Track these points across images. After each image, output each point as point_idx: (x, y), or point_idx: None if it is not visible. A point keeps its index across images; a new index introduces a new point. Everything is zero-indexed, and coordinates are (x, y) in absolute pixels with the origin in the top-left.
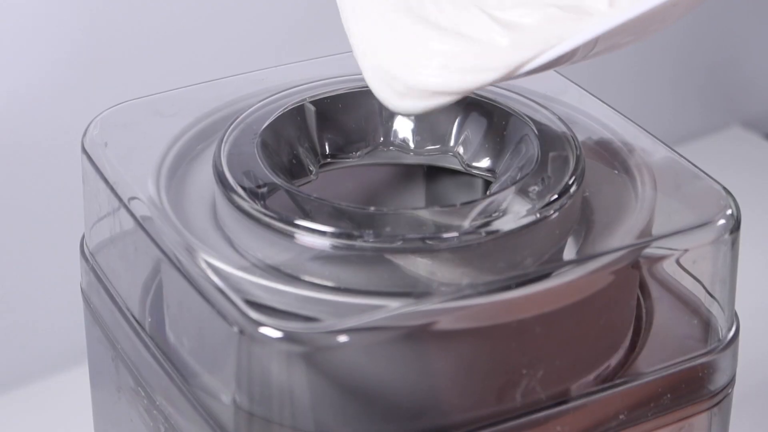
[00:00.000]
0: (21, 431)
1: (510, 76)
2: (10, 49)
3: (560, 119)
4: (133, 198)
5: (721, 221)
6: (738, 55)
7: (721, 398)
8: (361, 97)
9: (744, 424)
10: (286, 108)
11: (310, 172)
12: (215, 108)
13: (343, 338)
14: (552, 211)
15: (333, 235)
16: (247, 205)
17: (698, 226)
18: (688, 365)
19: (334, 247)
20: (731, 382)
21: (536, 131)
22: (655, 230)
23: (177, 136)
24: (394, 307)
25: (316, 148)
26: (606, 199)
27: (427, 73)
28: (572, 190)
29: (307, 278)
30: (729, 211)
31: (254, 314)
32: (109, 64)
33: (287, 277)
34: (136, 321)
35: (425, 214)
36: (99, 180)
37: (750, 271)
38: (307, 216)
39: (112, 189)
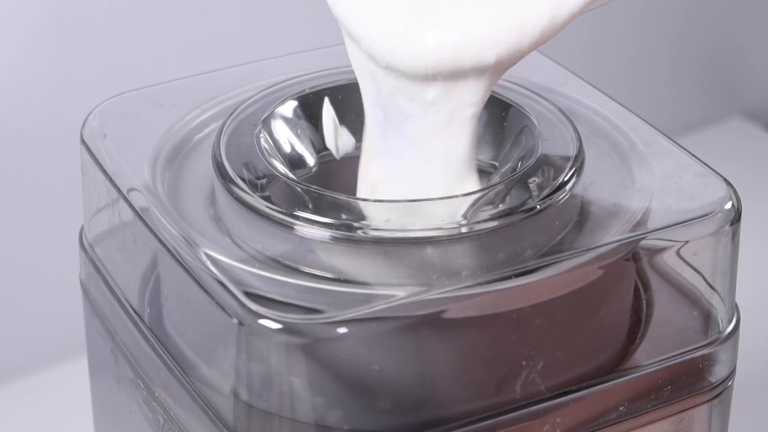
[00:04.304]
0: (20, 422)
1: None
2: (9, 40)
3: (560, 110)
4: (132, 189)
5: (722, 212)
6: (739, 44)
7: (721, 390)
8: None
9: (744, 416)
10: (286, 99)
11: (310, 163)
12: (214, 99)
13: (342, 329)
14: (552, 203)
15: (332, 226)
16: (247, 196)
17: (699, 217)
18: (688, 357)
19: (334, 238)
20: (731, 375)
21: (536, 122)
22: (656, 221)
23: (176, 126)
24: (393, 297)
25: (316, 139)
26: (606, 191)
27: None
28: (572, 181)
29: (307, 269)
30: (730, 203)
31: (253, 306)
32: (108, 55)
33: (286, 269)
34: (135, 312)
35: (425, 205)
36: (98, 171)
37: (751, 263)
38: (306, 207)
39: (111, 180)
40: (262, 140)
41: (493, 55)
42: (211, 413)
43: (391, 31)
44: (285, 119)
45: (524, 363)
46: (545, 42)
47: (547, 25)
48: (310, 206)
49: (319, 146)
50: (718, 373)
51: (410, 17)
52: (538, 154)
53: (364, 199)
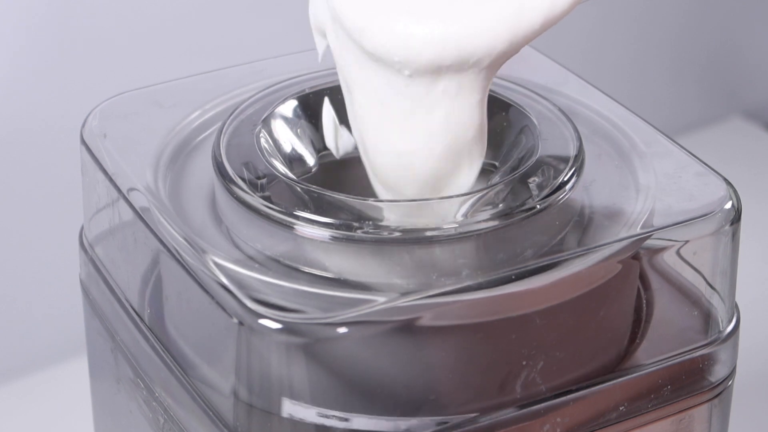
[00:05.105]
0: (20, 422)
1: None
2: (9, 40)
3: (560, 110)
4: (132, 189)
5: (722, 212)
6: (739, 44)
7: (721, 390)
8: None
9: (744, 416)
10: (286, 99)
11: (310, 163)
12: (214, 99)
13: (342, 329)
14: (552, 203)
15: (333, 226)
16: (247, 196)
17: (699, 217)
18: (688, 357)
19: (334, 238)
20: (731, 374)
21: (536, 122)
22: (656, 221)
23: (176, 126)
24: (393, 297)
25: (316, 138)
26: (606, 191)
27: None
28: (572, 181)
29: (307, 269)
30: (730, 203)
31: (254, 306)
32: (108, 55)
33: (286, 269)
34: (135, 312)
35: (425, 205)
36: (98, 171)
37: (751, 263)
38: (306, 207)
39: (111, 180)
40: (262, 140)
41: (490, 47)
42: (211, 413)
43: (390, 27)
44: (285, 119)
45: (524, 363)
46: (542, 33)
47: (546, 14)
48: (310, 206)
49: (319, 146)
50: (718, 372)
51: (407, 13)
52: (538, 153)
53: (364, 199)
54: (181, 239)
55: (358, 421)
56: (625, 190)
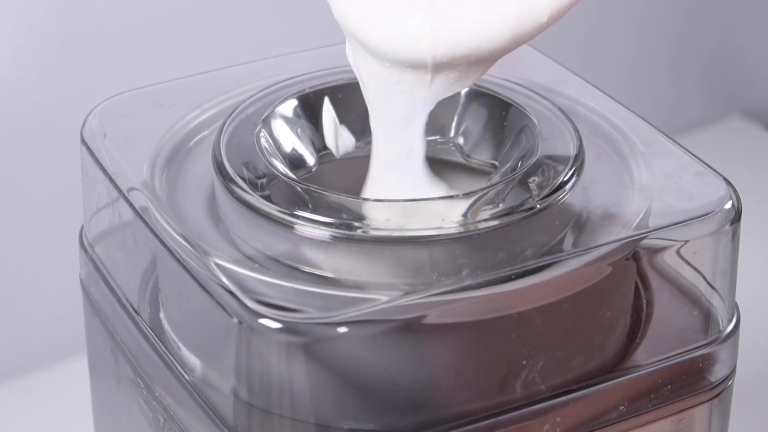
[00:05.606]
0: (20, 422)
1: None
2: (8, 40)
3: (561, 110)
4: (132, 189)
5: (722, 212)
6: (739, 43)
7: (721, 390)
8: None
9: (744, 416)
10: (286, 98)
11: (310, 162)
12: (214, 99)
13: (342, 329)
14: (552, 202)
15: (332, 225)
16: (247, 195)
17: (699, 216)
18: (688, 357)
19: (334, 237)
20: (731, 374)
21: (536, 122)
22: (656, 221)
23: (176, 126)
24: (393, 297)
25: (316, 138)
26: (606, 190)
27: None
28: (572, 181)
29: (307, 269)
30: (730, 202)
31: (253, 305)
32: (108, 55)
33: (286, 268)
34: (135, 312)
35: (425, 205)
36: (98, 170)
37: (751, 263)
38: (306, 207)
39: (111, 180)
40: (262, 140)
41: (493, 41)
42: (211, 413)
43: (392, 23)
44: (285, 119)
45: (524, 362)
46: (545, 30)
47: (549, 13)
48: (310, 206)
49: (319, 146)
50: (718, 372)
51: (409, 8)
52: (538, 153)
53: (364, 199)
54: (180, 239)
55: (358, 420)
56: (625, 189)
